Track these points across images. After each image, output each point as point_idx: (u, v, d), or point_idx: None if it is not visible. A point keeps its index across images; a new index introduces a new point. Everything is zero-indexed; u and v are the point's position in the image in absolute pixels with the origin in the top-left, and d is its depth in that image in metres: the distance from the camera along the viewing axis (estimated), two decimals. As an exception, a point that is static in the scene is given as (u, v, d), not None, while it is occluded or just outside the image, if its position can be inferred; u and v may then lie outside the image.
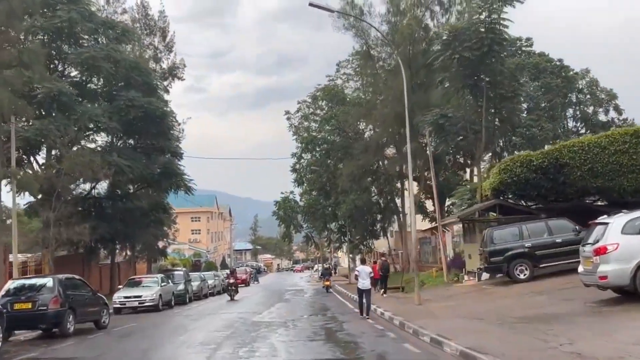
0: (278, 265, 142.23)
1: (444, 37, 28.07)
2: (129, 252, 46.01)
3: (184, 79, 47.17)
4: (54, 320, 15.80)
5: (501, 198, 22.88)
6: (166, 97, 43.82)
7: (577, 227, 19.16)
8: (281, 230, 57.92)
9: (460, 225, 33.14)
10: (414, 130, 39.50)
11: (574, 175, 21.37)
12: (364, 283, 18.95)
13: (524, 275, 19.72)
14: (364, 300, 18.45)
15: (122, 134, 33.97)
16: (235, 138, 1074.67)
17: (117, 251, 46.91)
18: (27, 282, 17.51)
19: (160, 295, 25.16)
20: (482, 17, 26.85)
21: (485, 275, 22.83)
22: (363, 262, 22.36)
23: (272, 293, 39.89)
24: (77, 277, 18.81)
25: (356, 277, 19.89)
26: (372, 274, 20.21)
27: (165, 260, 60.98)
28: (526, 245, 19.88)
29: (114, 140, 35.04)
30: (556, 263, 19.54)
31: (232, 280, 32.64)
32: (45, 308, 15.51)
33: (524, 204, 23.82)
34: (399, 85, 38.17)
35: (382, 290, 27.09)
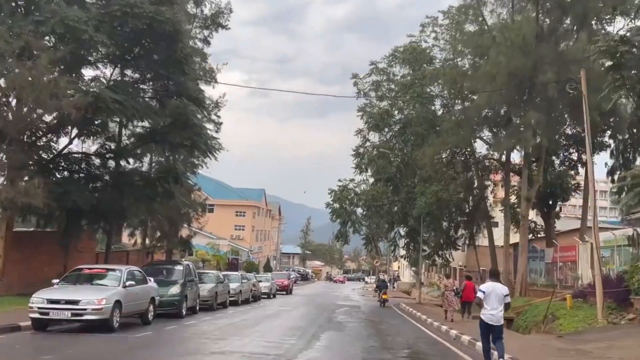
0: (327, 273, 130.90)
1: None
2: (139, 240, 36.22)
3: (229, 28, 36.67)
4: None
5: None
6: (206, 49, 34.00)
7: None
8: (334, 230, 46.68)
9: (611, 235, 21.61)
10: (534, 96, 28.07)
11: None
12: (494, 315, 10.82)
13: None
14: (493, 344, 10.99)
15: (117, 58, 23.16)
16: (294, 144, 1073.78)
17: (125, 235, 37.67)
18: None
19: (117, 302, 13.97)
20: None
21: None
22: (494, 275, 11.63)
23: (317, 311, 27.35)
24: None
25: (478, 302, 11.06)
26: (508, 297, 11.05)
27: (196, 254, 51.14)
28: None
29: (111, 70, 24.51)
30: None
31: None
32: None
33: None
34: (520, 31, 26.86)
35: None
